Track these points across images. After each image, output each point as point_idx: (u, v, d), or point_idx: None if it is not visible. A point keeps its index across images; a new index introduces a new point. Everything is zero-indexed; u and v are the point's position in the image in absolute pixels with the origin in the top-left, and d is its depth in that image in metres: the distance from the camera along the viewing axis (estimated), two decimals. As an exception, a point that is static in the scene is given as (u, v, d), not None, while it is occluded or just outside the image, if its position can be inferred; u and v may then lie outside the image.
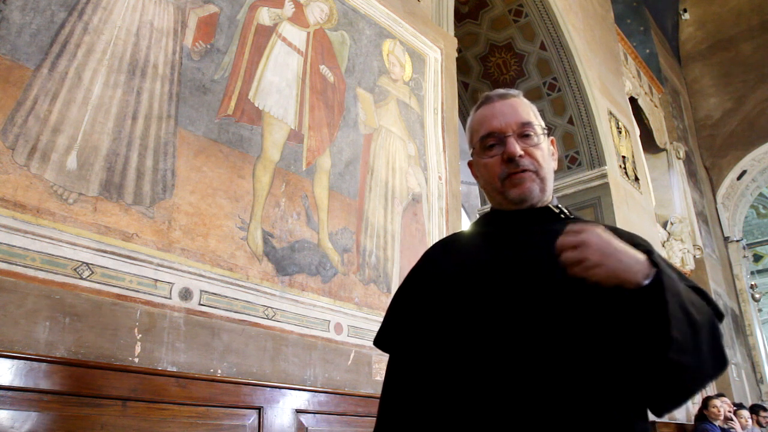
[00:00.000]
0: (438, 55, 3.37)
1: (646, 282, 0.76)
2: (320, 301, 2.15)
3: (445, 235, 2.21)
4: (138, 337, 1.58)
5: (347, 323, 2.22)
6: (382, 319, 1.04)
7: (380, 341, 1.02)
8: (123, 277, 1.60)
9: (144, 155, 1.76)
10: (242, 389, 1.74)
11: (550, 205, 0.99)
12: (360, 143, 2.60)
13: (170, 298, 1.69)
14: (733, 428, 4.82)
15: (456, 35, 3.81)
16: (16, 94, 1.52)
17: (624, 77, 6.78)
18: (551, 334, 0.83)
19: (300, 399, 1.90)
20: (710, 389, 6.19)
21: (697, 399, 5.25)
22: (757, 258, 12.29)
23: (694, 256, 7.49)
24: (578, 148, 5.26)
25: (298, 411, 1.88)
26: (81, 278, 1.51)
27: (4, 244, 1.39)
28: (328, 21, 2.65)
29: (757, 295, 9.01)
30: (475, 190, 8.59)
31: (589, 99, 5.22)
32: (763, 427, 5.78)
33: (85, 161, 1.62)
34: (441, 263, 1.00)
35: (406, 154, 2.86)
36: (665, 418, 4.84)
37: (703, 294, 0.88)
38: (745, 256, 9.42)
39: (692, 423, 5.13)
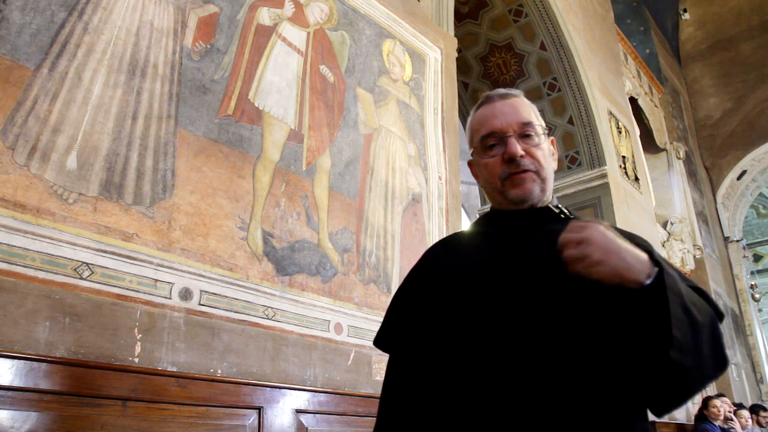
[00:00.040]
0: (438, 55, 3.37)
1: (648, 282, 0.76)
2: (320, 301, 2.15)
3: (445, 235, 2.21)
4: (138, 337, 1.58)
5: (347, 323, 2.22)
6: (382, 319, 1.04)
7: (380, 341, 1.02)
8: (123, 277, 1.60)
9: (144, 155, 1.76)
10: (242, 389, 1.74)
11: (550, 205, 0.99)
12: (360, 143, 2.60)
13: (170, 298, 1.69)
14: (733, 428, 4.82)
15: (456, 35, 3.81)
16: (16, 94, 1.52)
17: (624, 77, 6.78)
18: (551, 334, 0.83)
19: (300, 399, 1.90)
20: (710, 389, 6.19)
21: (697, 399, 5.25)
22: (757, 258, 12.29)
23: (694, 256, 7.49)
24: (578, 148, 5.26)
25: (298, 411, 1.88)
26: (81, 278, 1.51)
27: (4, 244, 1.39)
28: (328, 21, 2.65)
29: (757, 295, 9.01)
30: (475, 190, 8.59)
31: (589, 99, 5.23)
32: (763, 427, 5.78)
33: (85, 161, 1.62)
34: (441, 263, 1.00)
35: (406, 154, 2.86)
36: (665, 418, 4.84)
37: (703, 294, 0.88)
38: (745, 256, 9.42)
39: (692, 423, 5.13)
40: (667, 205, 7.57)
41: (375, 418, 0.96)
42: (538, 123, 0.99)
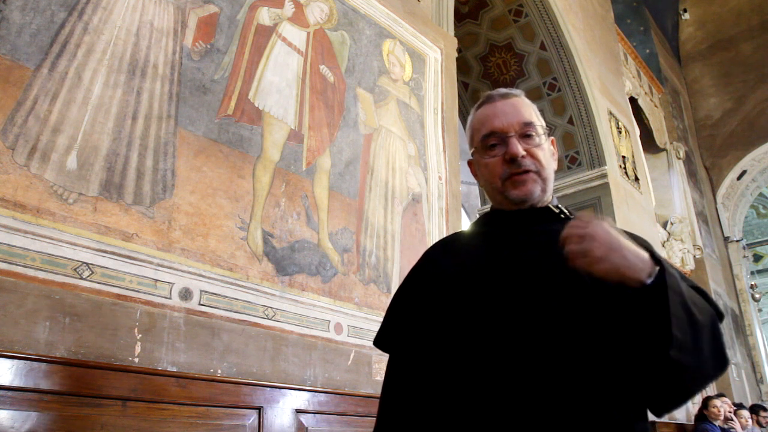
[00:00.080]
0: (438, 55, 3.37)
1: (649, 281, 0.76)
2: (320, 301, 2.15)
3: (445, 235, 2.21)
4: (138, 337, 1.58)
5: (347, 323, 2.22)
6: (381, 319, 1.04)
7: (380, 341, 1.02)
8: (123, 277, 1.60)
9: (144, 155, 1.76)
10: (242, 389, 1.74)
11: (550, 206, 0.99)
12: (360, 143, 2.60)
13: (170, 298, 1.69)
14: (733, 428, 4.82)
15: (456, 35, 3.81)
16: (16, 94, 1.52)
17: (624, 77, 6.78)
18: (551, 334, 0.83)
19: (300, 399, 1.90)
20: (710, 389, 6.19)
21: (697, 399, 5.25)
22: (757, 258, 12.29)
23: (694, 256, 7.49)
24: (578, 148, 5.26)
25: (298, 411, 1.88)
26: (81, 278, 1.51)
27: (4, 244, 1.39)
28: (328, 21, 2.65)
29: (757, 295, 9.01)
30: (475, 190, 8.59)
31: (589, 99, 5.23)
32: (763, 427, 5.78)
33: (85, 161, 1.62)
34: (441, 263, 1.00)
35: (406, 154, 2.86)
36: (665, 418, 4.84)
37: (703, 294, 0.88)
38: (745, 256, 9.42)
39: (692, 423, 5.13)
40: (667, 205, 7.57)
41: (375, 418, 0.96)
42: (539, 123, 0.99)
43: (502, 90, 1.03)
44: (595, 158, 5.17)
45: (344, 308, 2.24)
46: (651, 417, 0.87)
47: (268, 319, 1.94)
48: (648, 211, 5.98)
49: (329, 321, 2.16)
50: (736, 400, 6.28)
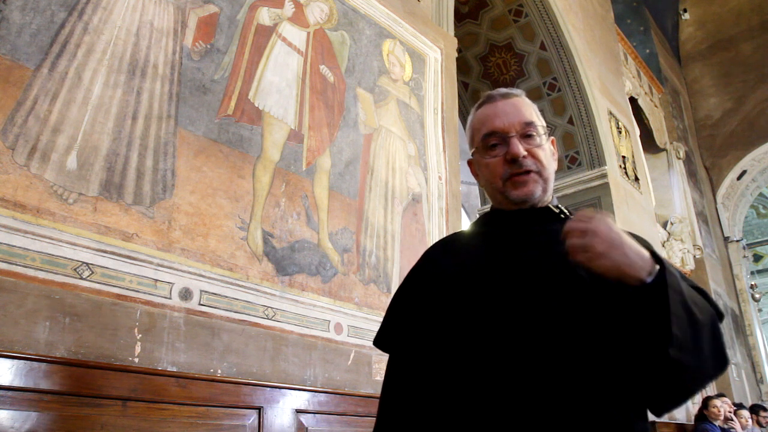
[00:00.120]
0: (438, 55, 3.37)
1: (649, 279, 0.76)
2: (320, 301, 2.15)
3: (445, 235, 2.21)
4: (138, 337, 1.58)
5: (347, 323, 2.22)
6: (381, 319, 1.04)
7: (380, 341, 1.02)
8: (123, 277, 1.60)
9: (144, 155, 1.76)
10: (242, 389, 1.74)
11: (550, 206, 0.99)
12: (360, 143, 2.60)
13: (170, 298, 1.69)
14: (733, 428, 4.82)
15: (456, 35, 3.81)
16: (16, 94, 1.52)
17: (624, 77, 6.78)
18: (551, 334, 0.83)
19: (300, 399, 1.90)
20: (710, 389, 6.19)
21: (697, 399, 5.25)
22: (757, 258, 12.29)
23: (694, 256, 7.49)
24: (578, 148, 5.26)
25: (298, 411, 1.88)
26: (81, 278, 1.51)
27: (4, 244, 1.39)
28: (328, 21, 2.65)
29: (757, 295, 9.01)
30: (475, 190, 8.59)
31: (589, 99, 5.23)
32: (763, 427, 5.78)
33: (85, 161, 1.62)
34: (441, 263, 1.00)
35: (406, 154, 2.86)
36: (665, 418, 4.84)
37: (704, 294, 0.88)
38: (745, 256, 9.42)
39: (692, 423, 5.13)
40: (667, 205, 7.57)
41: (375, 418, 0.96)
42: (540, 123, 0.99)
43: (503, 90, 1.03)
44: (595, 158, 5.18)
45: (344, 308, 2.24)
46: (651, 417, 0.87)
47: (268, 319, 1.94)
48: (648, 211, 5.98)
49: (329, 321, 2.16)
50: (736, 400, 6.28)
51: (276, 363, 1.91)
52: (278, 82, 2.31)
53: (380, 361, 2.27)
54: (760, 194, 10.11)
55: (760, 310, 9.45)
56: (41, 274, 1.43)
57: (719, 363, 0.82)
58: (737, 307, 8.74)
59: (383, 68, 2.90)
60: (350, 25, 2.78)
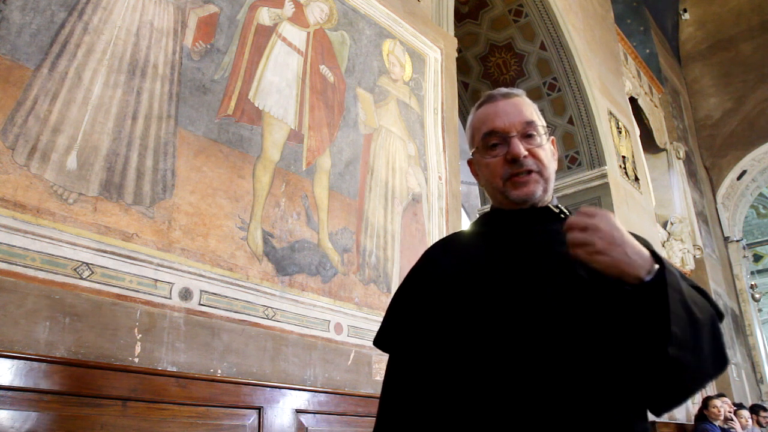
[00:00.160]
0: (438, 55, 3.37)
1: (648, 278, 0.76)
2: (320, 301, 2.15)
3: (445, 235, 2.21)
4: (138, 337, 1.58)
5: (347, 323, 2.22)
6: (381, 319, 1.04)
7: (380, 341, 1.01)
8: (123, 277, 1.60)
9: (144, 155, 1.76)
10: (242, 389, 1.74)
11: (551, 206, 0.99)
12: (360, 143, 2.60)
13: (170, 298, 1.69)
14: (733, 428, 4.82)
15: (456, 35, 3.81)
16: (16, 94, 1.52)
17: (624, 77, 6.78)
18: (551, 334, 0.83)
19: (300, 399, 1.90)
20: (710, 389, 6.19)
21: (697, 399, 5.25)
22: (757, 258, 12.29)
23: (694, 256, 7.49)
24: (578, 148, 5.26)
25: (298, 411, 1.88)
26: (81, 278, 1.51)
27: (4, 244, 1.39)
28: (328, 21, 2.65)
29: (757, 295, 9.01)
30: (475, 190, 8.59)
31: (589, 99, 5.23)
32: (763, 427, 5.78)
33: (85, 161, 1.62)
34: (441, 263, 1.00)
35: (406, 154, 2.86)
36: (665, 418, 4.84)
37: (703, 293, 0.88)
38: (745, 256, 9.42)
39: (692, 423, 5.13)
40: (667, 205, 7.57)
41: (375, 418, 0.96)
42: (541, 123, 0.99)
43: (504, 89, 1.02)
44: (595, 158, 5.18)
45: (344, 308, 2.24)
46: (651, 417, 0.87)
47: (268, 319, 1.94)
48: (648, 211, 5.98)
49: (329, 321, 2.16)
50: (736, 400, 6.28)
51: (276, 363, 1.91)
52: (278, 82, 2.31)
53: (380, 361, 2.27)
54: (760, 194, 10.11)
55: (760, 310, 9.45)
56: (41, 274, 1.43)
57: (719, 362, 0.82)
58: (737, 307, 8.74)
59: (383, 68, 2.90)
60: (350, 25, 2.78)
